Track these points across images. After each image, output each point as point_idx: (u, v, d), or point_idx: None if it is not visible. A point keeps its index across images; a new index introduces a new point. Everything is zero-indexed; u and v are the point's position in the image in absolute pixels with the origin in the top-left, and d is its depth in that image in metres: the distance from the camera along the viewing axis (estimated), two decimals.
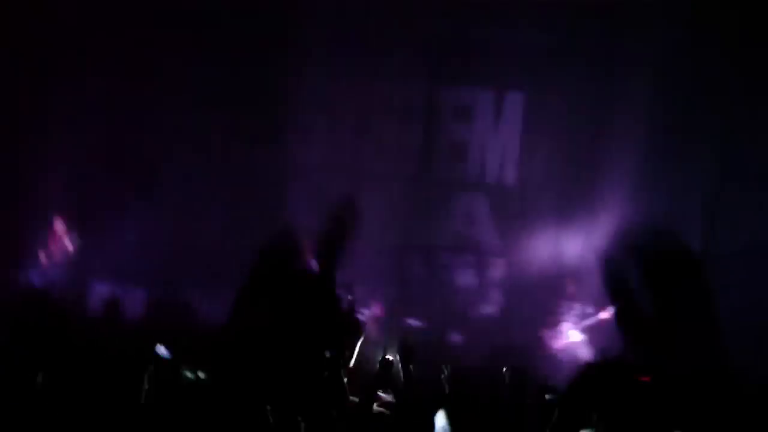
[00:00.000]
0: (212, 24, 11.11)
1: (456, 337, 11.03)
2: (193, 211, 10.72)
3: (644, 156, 10.86)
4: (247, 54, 11.17)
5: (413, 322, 10.69)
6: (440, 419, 5.07)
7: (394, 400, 5.52)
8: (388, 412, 5.38)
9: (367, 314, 10.56)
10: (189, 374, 4.79)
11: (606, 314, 9.72)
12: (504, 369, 5.70)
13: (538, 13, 11.50)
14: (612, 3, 11.32)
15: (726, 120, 10.68)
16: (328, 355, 4.80)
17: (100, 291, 9.16)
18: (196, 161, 10.85)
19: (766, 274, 10.11)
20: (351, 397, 5.12)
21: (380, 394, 5.57)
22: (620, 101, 11.13)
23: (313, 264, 6.00)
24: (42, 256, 9.76)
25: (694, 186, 10.78)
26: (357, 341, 5.54)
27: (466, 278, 11.76)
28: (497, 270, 11.83)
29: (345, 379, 5.03)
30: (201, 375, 4.75)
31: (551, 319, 10.38)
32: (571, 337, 10.07)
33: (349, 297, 6.23)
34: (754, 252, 10.24)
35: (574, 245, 11.15)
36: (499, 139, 12.06)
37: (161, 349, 6.06)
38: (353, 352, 5.50)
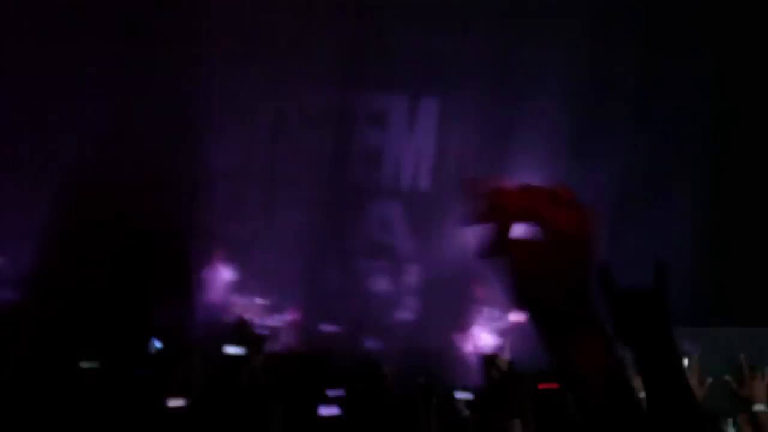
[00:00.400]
0: (123, 28, 10.90)
1: (371, 343, 11.02)
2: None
3: (553, 159, 11.10)
4: (159, 59, 10.99)
5: (328, 327, 10.65)
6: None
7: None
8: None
9: (281, 320, 10.50)
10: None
11: (517, 317, 9.86)
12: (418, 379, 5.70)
13: (450, 19, 11.65)
14: (522, 9, 11.55)
15: (631, 123, 10.98)
16: None
17: None
18: (107, 167, 10.59)
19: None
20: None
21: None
22: (529, 106, 11.35)
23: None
24: None
25: (602, 187, 11.05)
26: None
27: (380, 284, 11.77)
28: (412, 275, 11.87)
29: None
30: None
31: (464, 323, 10.47)
32: (483, 340, 10.17)
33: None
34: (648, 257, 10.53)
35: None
36: (413, 146, 12.12)
37: (155, 342, 5.99)
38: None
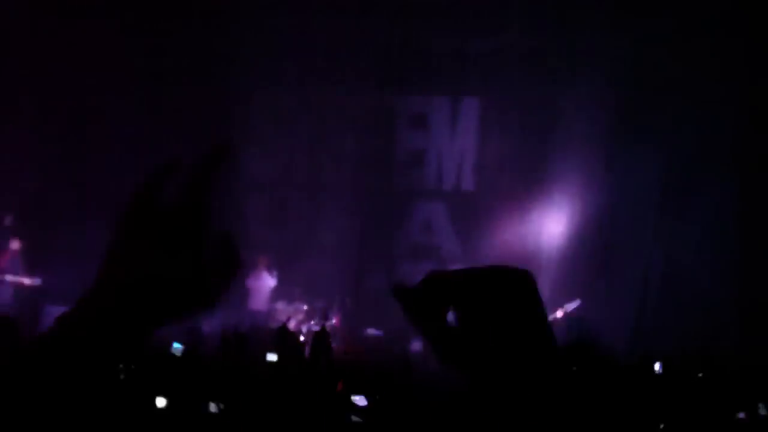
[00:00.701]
0: (162, 45, 11.14)
1: (417, 346, 11.06)
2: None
3: (596, 153, 11.02)
4: (198, 70, 11.21)
5: (373, 331, 10.73)
6: None
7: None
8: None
9: (327, 325, 10.62)
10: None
11: (560, 313, 9.83)
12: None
13: (488, 19, 11.60)
14: (562, 6, 11.44)
15: (674, 119, 10.79)
16: None
17: (52, 313, 9.08)
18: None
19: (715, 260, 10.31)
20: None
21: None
22: (572, 102, 11.24)
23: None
24: None
25: (645, 184, 10.94)
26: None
27: None
28: None
29: None
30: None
31: None
32: None
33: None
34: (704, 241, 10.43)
35: (531, 245, 11.29)
36: (455, 146, 12.12)
37: (176, 347, 6.18)
38: None
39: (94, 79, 10.74)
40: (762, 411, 5.33)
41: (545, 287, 9.53)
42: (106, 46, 10.69)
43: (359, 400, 5.29)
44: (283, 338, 8.46)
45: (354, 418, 5.58)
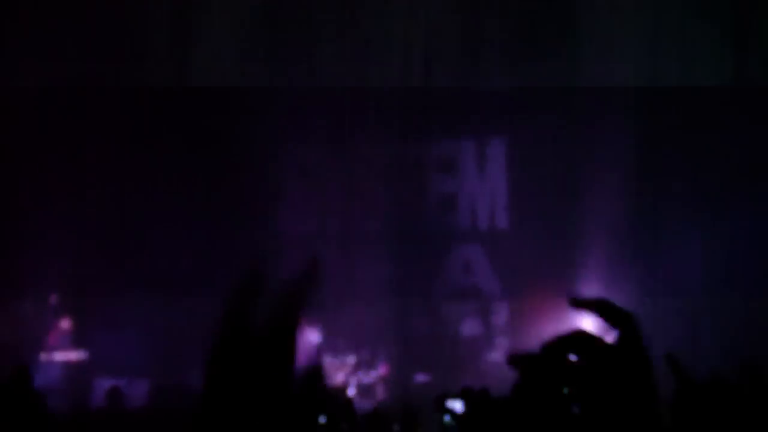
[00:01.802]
0: (193, 111, 11.35)
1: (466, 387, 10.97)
2: (190, 295, 10.79)
3: (624, 184, 11.05)
4: (228, 135, 11.38)
5: (421, 377, 10.70)
6: None
7: None
8: None
9: (373, 376, 10.61)
10: None
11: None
12: None
13: (509, 59, 11.70)
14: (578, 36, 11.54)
15: (706, 156, 10.83)
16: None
17: (103, 385, 9.23)
18: (189, 244, 10.98)
19: None
20: None
21: None
22: (595, 139, 11.30)
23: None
24: (42, 353, 9.89)
25: (675, 218, 10.93)
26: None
27: (470, 327, 11.78)
28: (501, 315, 11.86)
29: None
30: None
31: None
32: None
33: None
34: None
35: (571, 282, 11.24)
36: (486, 186, 12.17)
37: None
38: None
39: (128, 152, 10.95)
40: None
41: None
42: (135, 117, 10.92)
43: (456, 405, 5.28)
44: (329, 398, 8.45)
45: (448, 421, 5.56)
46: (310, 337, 10.39)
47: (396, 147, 12.02)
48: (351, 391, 9.64)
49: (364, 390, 9.94)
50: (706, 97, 10.95)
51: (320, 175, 11.88)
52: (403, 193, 12.00)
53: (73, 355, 9.99)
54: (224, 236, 10.72)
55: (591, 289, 11.10)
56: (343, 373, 10.25)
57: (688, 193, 10.97)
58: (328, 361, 10.48)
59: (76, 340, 10.27)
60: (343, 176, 11.96)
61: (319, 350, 10.59)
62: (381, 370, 10.54)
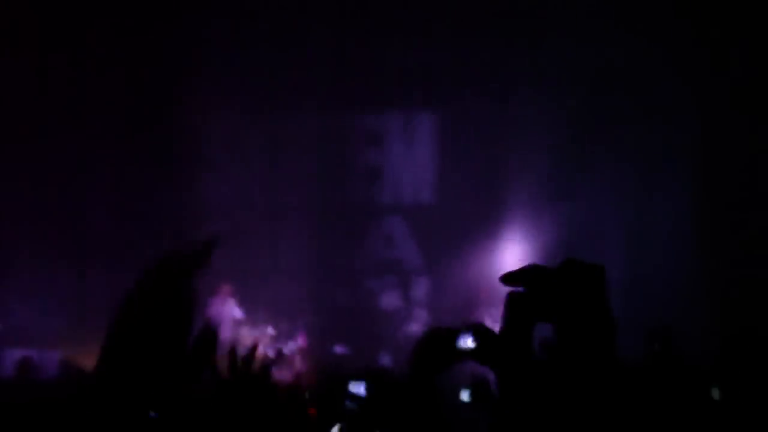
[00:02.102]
0: (116, 70, 11.11)
1: (385, 359, 11.09)
2: (106, 265, 10.61)
3: (553, 162, 11.21)
4: (152, 95, 11.18)
5: (340, 349, 10.75)
6: None
7: None
8: None
9: (292, 347, 10.63)
10: None
11: None
12: None
13: (441, 33, 11.69)
14: (512, 19, 11.57)
15: (625, 130, 10.99)
16: None
17: (14, 355, 9.05)
18: (106, 211, 10.79)
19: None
20: None
21: None
22: (524, 115, 11.40)
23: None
24: None
25: (601, 194, 11.12)
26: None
27: (391, 300, 11.86)
28: (421, 289, 11.96)
29: None
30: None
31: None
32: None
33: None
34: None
35: (492, 257, 11.39)
36: (411, 161, 12.20)
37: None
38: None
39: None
40: (715, 395, 5.38)
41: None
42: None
43: (358, 387, 5.29)
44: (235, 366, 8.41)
45: (349, 405, 5.57)
46: (229, 307, 10.35)
47: (322, 119, 11.97)
48: (270, 362, 9.65)
49: (284, 361, 9.95)
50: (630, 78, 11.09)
51: (244, 144, 11.77)
52: (327, 165, 11.98)
53: None
54: (144, 204, 10.57)
55: (513, 264, 11.24)
56: (263, 344, 10.24)
57: (612, 170, 11.13)
58: (248, 331, 10.47)
59: None
60: (267, 146, 11.88)
61: (237, 320, 10.57)
62: (300, 342, 10.55)
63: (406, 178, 12.22)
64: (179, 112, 11.13)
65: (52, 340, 9.53)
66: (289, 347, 10.53)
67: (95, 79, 10.86)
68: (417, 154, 12.24)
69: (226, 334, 10.36)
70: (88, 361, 8.85)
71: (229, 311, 10.30)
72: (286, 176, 11.89)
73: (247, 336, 10.34)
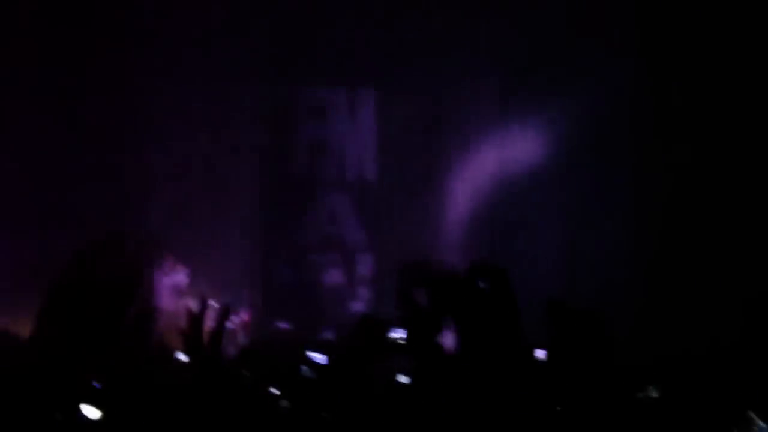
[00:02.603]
0: (55, 29, 10.73)
1: (328, 336, 11.07)
2: (45, 229, 10.29)
3: (492, 136, 11.29)
4: (94, 59, 10.84)
5: (282, 324, 10.64)
6: None
7: None
8: None
9: (235, 321, 10.43)
10: None
11: None
12: None
13: (384, 7, 11.64)
14: None
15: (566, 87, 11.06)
16: None
17: None
18: (41, 173, 10.42)
19: None
20: None
21: None
22: (465, 87, 11.46)
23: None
24: None
25: (541, 157, 11.25)
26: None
27: (333, 277, 11.80)
28: (365, 266, 11.91)
29: None
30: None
31: None
32: None
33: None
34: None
35: (432, 236, 11.45)
36: (356, 136, 12.13)
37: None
38: None
39: None
40: (652, 393, 5.44)
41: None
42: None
43: (318, 357, 5.18)
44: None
45: (306, 371, 5.45)
46: (174, 278, 10.10)
47: (265, 90, 11.80)
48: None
49: (227, 335, 9.76)
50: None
51: (188, 114, 11.51)
52: (270, 138, 11.83)
53: None
54: (85, 168, 10.26)
55: (453, 246, 11.33)
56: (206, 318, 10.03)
57: (553, 150, 11.24)
58: (190, 304, 10.23)
59: None
60: (211, 116, 11.64)
61: (180, 293, 10.32)
62: (243, 316, 10.36)
63: (349, 153, 12.14)
64: (126, 78, 10.82)
65: None
66: (233, 321, 10.32)
67: (43, 42, 10.47)
68: (361, 130, 12.17)
69: (169, 305, 10.11)
70: (23, 330, 8.52)
71: (172, 281, 10.04)
72: (228, 148, 11.69)
73: (192, 309, 10.12)
